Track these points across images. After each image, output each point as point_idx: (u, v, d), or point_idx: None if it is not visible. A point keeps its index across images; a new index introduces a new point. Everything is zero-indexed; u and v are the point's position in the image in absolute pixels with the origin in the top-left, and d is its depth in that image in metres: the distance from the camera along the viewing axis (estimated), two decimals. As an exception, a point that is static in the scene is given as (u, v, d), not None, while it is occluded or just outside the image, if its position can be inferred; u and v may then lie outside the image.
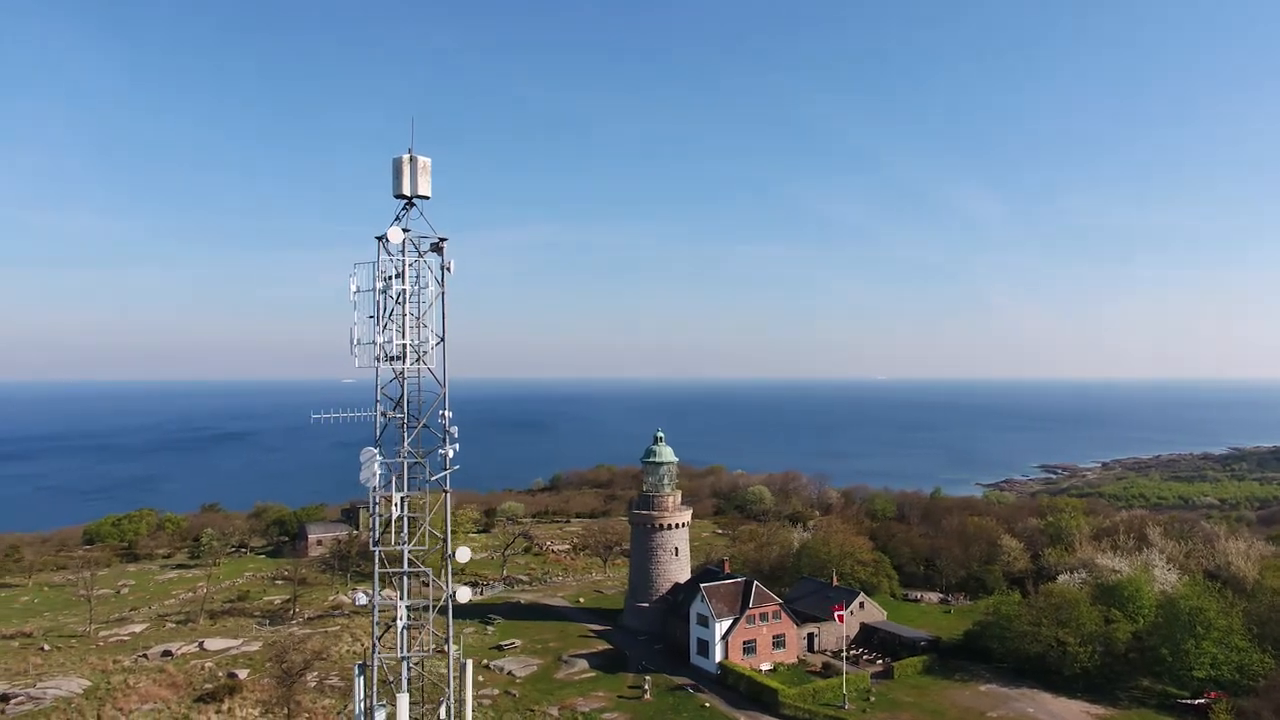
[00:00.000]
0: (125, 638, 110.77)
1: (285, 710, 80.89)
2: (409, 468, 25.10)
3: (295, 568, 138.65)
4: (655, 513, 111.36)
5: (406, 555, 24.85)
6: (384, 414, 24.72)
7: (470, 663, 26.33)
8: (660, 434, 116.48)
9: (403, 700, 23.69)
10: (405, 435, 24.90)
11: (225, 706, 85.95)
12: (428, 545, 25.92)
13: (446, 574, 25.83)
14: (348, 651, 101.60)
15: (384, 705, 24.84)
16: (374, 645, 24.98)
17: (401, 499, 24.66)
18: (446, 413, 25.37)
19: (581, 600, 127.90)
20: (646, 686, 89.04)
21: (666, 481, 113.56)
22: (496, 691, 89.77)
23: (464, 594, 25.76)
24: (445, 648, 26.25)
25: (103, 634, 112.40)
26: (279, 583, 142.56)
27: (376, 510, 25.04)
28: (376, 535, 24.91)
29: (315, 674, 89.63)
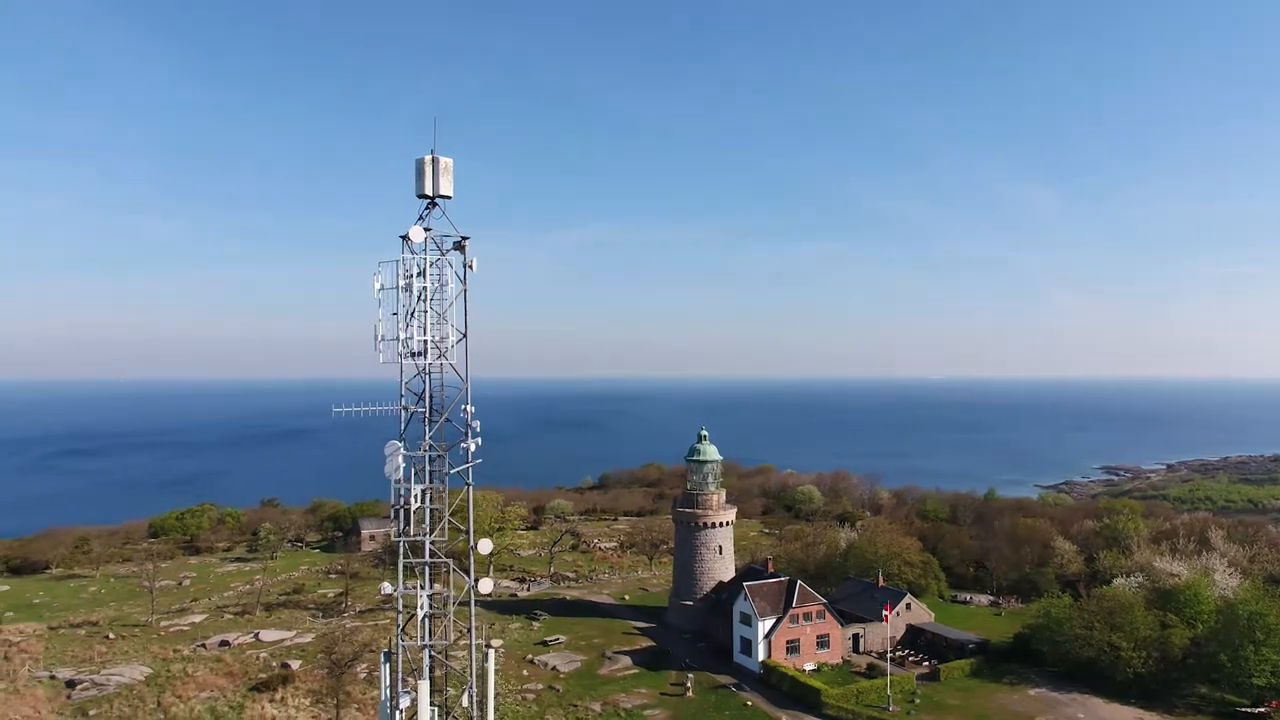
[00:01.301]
0: (185, 628, 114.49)
1: (335, 700, 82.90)
2: (431, 461, 25.75)
3: (348, 562, 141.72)
4: (699, 511, 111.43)
5: (428, 546, 25.49)
6: (405, 408, 25.41)
7: (494, 652, 26.86)
8: (704, 432, 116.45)
9: (424, 687, 24.32)
10: (427, 429, 25.54)
11: (278, 696, 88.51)
12: (448, 536, 26.52)
13: (470, 565, 26.40)
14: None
15: (408, 692, 25.51)
16: (398, 633, 25.68)
17: (422, 491, 25.30)
18: (469, 407, 25.92)
19: (626, 598, 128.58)
20: (689, 684, 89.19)
21: (710, 479, 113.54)
22: (541, 686, 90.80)
23: (486, 585, 26.30)
24: (471, 637, 26.77)
25: (164, 624, 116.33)
26: (333, 576, 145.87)
27: (402, 503, 25.70)
28: (401, 526, 25.58)
29: (364, 665, 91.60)
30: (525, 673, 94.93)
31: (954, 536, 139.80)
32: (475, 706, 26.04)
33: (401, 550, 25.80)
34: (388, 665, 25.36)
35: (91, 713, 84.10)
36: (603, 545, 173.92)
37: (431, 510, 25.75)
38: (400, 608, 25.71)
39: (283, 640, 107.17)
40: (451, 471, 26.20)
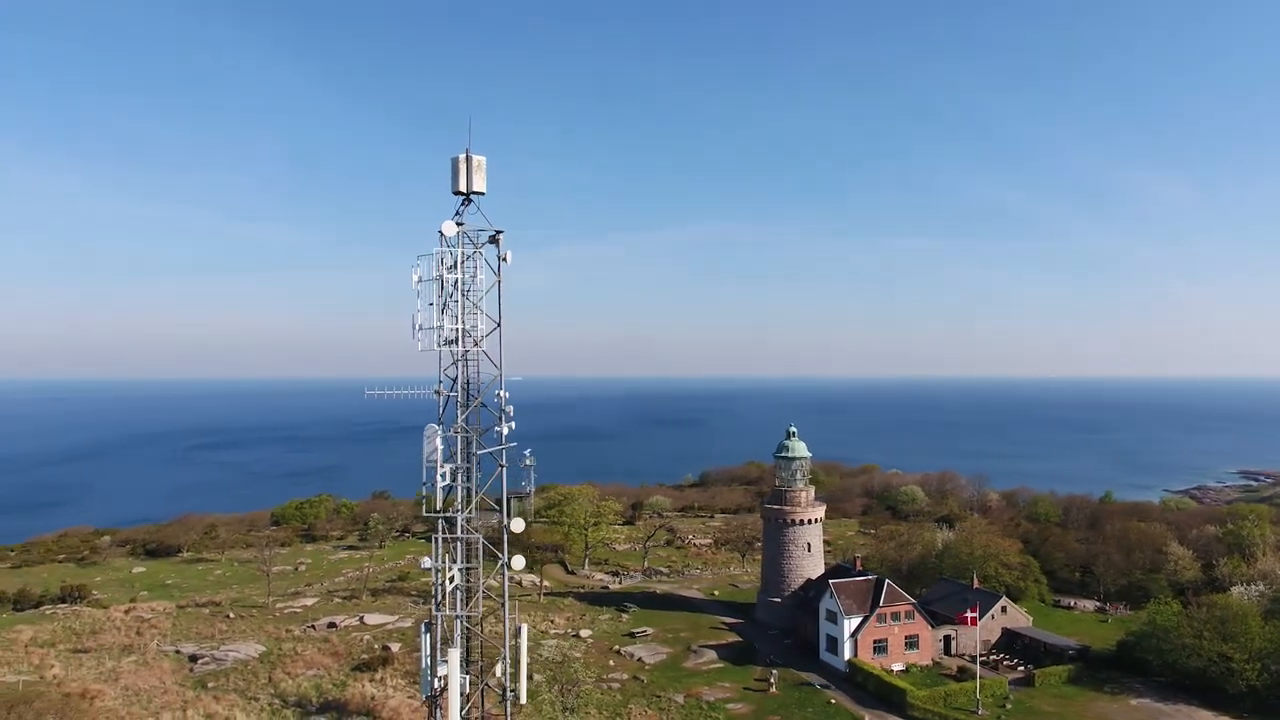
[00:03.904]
0: (298, 610, 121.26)
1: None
2: (466, 443, 27.20)
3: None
4: (787, 507, 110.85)
5: (461, 523, 26.97)
6: (439, 392, 26.93)
7: (526, 626, 28.15)
8: (793, 429, 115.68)
9: (454, 655, 25.78)
10: (460, 413, 27.03)
11: (378, 676, 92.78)
12: (477, 513, 27.93)
13: (505, 542, 27.76)
14: (490, 631, 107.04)
15: (446, 660, 27.03)
16: (435, 605, 27.27)
17: (453, 470, 26.78)
18: (503, 392, 27.22)
19: (716, 593, 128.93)
20: (773, 680, 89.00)
21: (799, 476, 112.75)
22: (626, 676, 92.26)
23: (519, 562, 27.62)
24: (505, 611, 28.09)
25: (279, 606, 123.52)
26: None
27: (439, 481, 27.25)
28: (439, 504, 27.14)
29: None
30: (611, 662, 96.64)
31: (1059, 539, 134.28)
32: (508, 671, 27.39)
33: (441, 527, 27.38)
34: (427, 635, 27.00)
35: (210, 685, 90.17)
36: (697, 541, 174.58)
37: (465, 488, 27.25)
38: (437, 580, 27.30)
39: (385, 624, 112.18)
40: (481, 451, 27.61)
